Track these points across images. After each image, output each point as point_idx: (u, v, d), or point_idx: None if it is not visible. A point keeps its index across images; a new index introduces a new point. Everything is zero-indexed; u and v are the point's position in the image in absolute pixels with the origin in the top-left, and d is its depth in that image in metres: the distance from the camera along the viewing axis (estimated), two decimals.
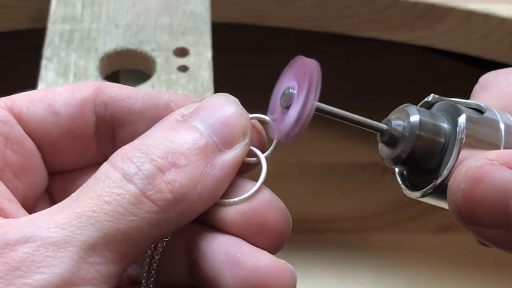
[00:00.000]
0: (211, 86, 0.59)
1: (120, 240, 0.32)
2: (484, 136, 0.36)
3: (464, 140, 0.35)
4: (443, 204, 0.36)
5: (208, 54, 0.61)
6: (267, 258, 0.35)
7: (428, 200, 0.36)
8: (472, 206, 0.33)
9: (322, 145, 0.81)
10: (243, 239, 0.35)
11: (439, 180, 0.35)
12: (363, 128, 0.36)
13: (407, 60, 0.88)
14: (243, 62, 0.86)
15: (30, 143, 0.37)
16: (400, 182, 0.38)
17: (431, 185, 0.36)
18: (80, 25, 0.63)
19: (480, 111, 0.37)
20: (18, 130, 0.37)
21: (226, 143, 0.35)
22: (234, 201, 0.36)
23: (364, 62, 0.89)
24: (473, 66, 0.85)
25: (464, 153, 0.35)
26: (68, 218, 0.32)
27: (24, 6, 0.70)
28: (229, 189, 0.36)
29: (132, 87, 0.39)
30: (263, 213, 0.35)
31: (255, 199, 0.36)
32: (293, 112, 0.35)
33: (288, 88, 0.36)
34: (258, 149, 0.37)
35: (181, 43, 0.62)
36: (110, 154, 0.36)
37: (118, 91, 0.38)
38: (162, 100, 0.38)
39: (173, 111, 0.37)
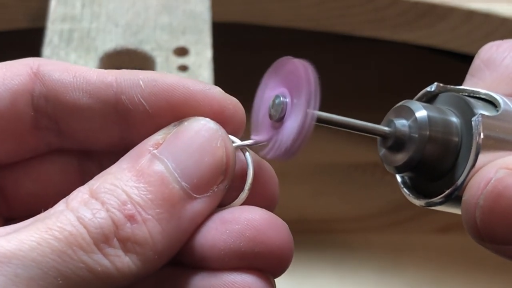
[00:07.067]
0: None
1: (61, 285, 0.28)
2: (503, 134, 0.31)
3: (481, 144, 0.30)
4: (453, 210, 0.32)
5: (208, 53, 0.61)
6: (262, 212, 0.31)
7: (436, 207, 0.32)
8: (492, 224, 0.29)
9: (322, 145, 0.81)
10: None
11: (452, 189, 0.31)
12: (366, 134, 0.32)
13: (408, 60, 0.87)
14: (243, 62, 0.86)
15: None
16: (403, 188, 0.33)
17: (442, 195, 0.31)
18: (79, 24, 0.63)
19: (490, 101, 0.32)
20: None
21: (198, 189, 0.30)
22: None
23: (364, 62, 0.89)
24: None
25: (481, 157, 0.30)
26: (6, 242, 0.28)
27: (23, 6, 0.70)
28: None
29: (76, 68, 0.33)
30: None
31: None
32: (291, 124, 0.30)
33: (278, 96, 0.31)
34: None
35: (181, 43, 0.62)
36: (56, 145, 0.33)
37: (59, 79, 0.33)
38: (110, 92, 0.32)
39: (125, 105, 0.32)
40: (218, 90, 0.32)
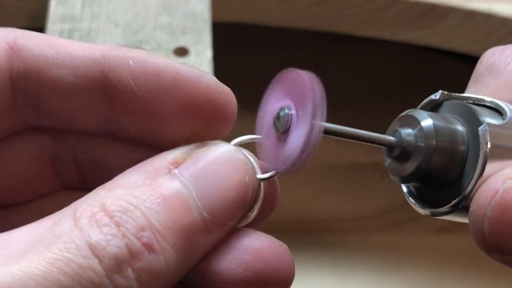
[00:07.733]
0: None
1: None
2: (510, 143, 0.30)
3: (488, 154, 0.30)
4: (459, 220, 0.32)
5: (208, 53, 0.61)
6: (270, 240, 0.30)
7: (442, 217, 0.32)
8: (501, 235, 0.29)
9: (322, 145, 0.81)
10: None
11: (459, 199, 0.31)
12: (372, 145, 0.31)
13: (408, 60, 0.87)
14: (243, 62, 0.86)
15: None
16: (409, 198, 0.33)
17: (449, 205, 0.31)
18: (79, 24, 0.63)
19: (496, 109, 0.32)
20: None
21: (218, 222, 0.29)
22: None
23: (364, 62, 0.89)
24: (474, 66, 0.85)
25: (488, 167, 0.30)
26: (10, 277, 0.25)
27: (23, 6, 0.70)
28: None
29: (57, 42, 0.31)
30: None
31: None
32: (297, 137, 0.29)
33: (283, 108, 0.29)
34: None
35: (181, 43, 0.62)
36: (33, 123, 0.31)
37: (40, 54, 0.30)
38: (97, 68, 0.30)
39: (112, 84, 0.30)
40: (211, 78, 0.31)
